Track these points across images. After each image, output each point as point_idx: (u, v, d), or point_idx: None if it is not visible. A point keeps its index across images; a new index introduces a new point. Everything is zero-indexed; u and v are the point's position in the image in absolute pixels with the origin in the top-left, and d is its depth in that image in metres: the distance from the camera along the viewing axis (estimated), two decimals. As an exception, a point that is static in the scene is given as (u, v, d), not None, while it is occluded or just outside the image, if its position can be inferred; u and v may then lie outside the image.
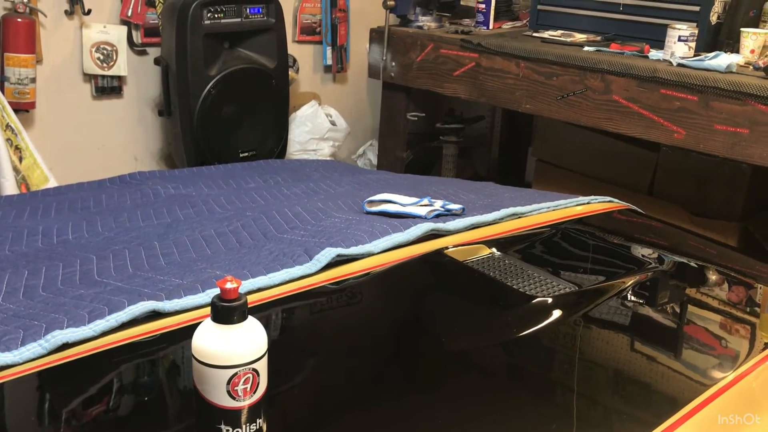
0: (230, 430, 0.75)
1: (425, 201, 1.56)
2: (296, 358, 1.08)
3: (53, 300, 1.15)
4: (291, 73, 3.43)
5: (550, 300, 1.21)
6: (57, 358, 0.99)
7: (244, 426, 0.75)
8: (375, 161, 3.67)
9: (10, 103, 2.67)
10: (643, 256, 1.63)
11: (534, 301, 1.21)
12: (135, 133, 3.21)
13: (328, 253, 1.27)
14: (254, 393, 0.75)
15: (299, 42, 3.61)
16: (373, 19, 3.43)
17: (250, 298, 1.17)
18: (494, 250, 1.41)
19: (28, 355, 0.97)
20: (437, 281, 1.38)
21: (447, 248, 1.37)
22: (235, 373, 0.73)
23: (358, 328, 1.21)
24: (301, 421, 0.94)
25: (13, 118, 2.66)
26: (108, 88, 3.07)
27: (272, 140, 3.25)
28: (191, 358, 0.77)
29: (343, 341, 1.16)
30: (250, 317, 0.77)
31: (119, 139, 3.17)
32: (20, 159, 2.68)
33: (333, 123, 3.54)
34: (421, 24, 3.27)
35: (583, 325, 1.23)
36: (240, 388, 0.74)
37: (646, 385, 1.10)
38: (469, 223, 1.49)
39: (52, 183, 2.73)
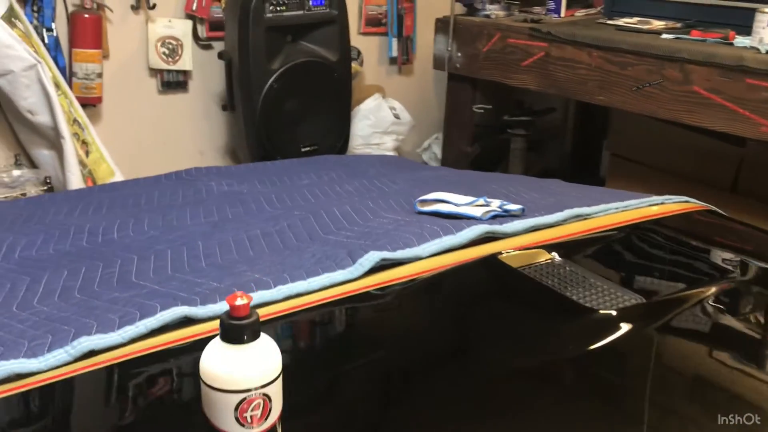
0: (239, 459, 0.68)
1: (481, 201, 1.46)
2: (330, 371, 1.01)
3: (87, 303, 1.12)
4: (355, 65, 3.36)
5: (614, 313, 1.10)
6: (82, 366, 0.95)
7: (255, 455, 0.69)
8: (440, 155, 3.57)
9: (77, 98, 2.71)
10: (724, 262, 1.49)
11: (595, 314, 1.09)
12: (200, 128, 3.22)
13: (371, 257, 1.19)
14: (266, 420, 0.68)
15: (364, 34, 3.54)
16: (440, 8, 3.33)
17: (288, 304, 1.11)
18: (555, 255, 1.30)
19: (53, 362, 0.94)
20: (488, 290, 1.28)
21: (501, 253, 1.27)
22: (244, 398, 0.67)
23: (400, 339, 1.13)
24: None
25: (81, 113, 2.70)
26: (174, 82, 3.09)
27: (334, 134, 3.20)
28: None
29: (383, 353, 1.08)
30: (263, 335, 0.70)
31: (185, 134, 3.19)
32: (87, 153, 2.72)
33: (397, 116, 3.46)
34: (488, 12, 3.15)
35: (654, 341, 1.11)
36: (249, 414, 0.67)
37: (731, 401, 0.98)
38: (529, 225, 1.38)
39: (118, 177, 2.76)
